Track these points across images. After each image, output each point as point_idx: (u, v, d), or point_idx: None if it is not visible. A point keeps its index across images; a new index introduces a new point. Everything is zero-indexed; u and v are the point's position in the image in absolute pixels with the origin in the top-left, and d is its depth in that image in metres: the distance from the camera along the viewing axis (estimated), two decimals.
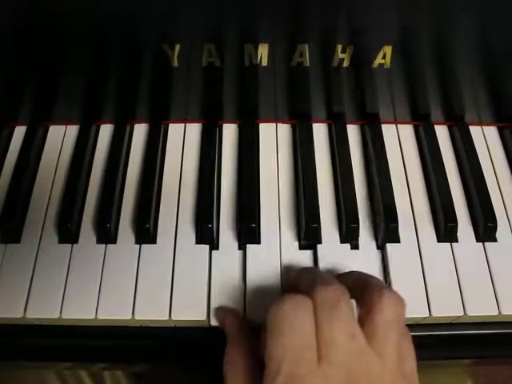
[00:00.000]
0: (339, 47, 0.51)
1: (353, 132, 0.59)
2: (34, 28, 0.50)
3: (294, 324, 0.35)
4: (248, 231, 0.50)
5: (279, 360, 0.34)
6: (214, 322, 0.47)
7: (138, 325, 0.49)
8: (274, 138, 0.59)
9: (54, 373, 0.66)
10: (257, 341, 0.42)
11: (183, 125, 0.60)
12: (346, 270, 0.48)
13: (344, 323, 0.35)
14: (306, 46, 0.51)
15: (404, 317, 0.38)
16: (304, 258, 0.50)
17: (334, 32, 0.50)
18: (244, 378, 0.40)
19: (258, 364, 0.40)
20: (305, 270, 0.47)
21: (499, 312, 0.48)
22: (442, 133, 0.60)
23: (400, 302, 0.38)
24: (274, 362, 0.35)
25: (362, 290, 0.38)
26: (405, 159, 0.58)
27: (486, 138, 0.60)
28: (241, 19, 0.49)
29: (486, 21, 0.50)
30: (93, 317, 0.47)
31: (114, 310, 0.47)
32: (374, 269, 0.50)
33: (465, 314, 0.48)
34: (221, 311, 0.47)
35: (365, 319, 0.37)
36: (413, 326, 0.48)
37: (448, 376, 0.67)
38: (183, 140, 0.59)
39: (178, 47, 0.51)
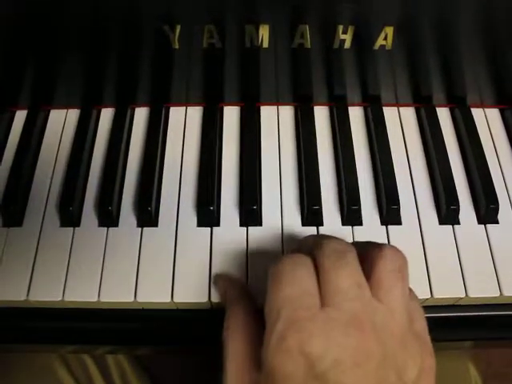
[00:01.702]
0: (340, 28, 0.50)
1: (355, 114, 0.59)
2: (34, 10, 0.49)
3: (293, 276, 0.35)
4: (249, 213, 0.50)
5: (278, 309, 0.34)
6: (214, 298, 0.47)
7: (140, 307, 0.49)
8: (275, 121, 0.58)
9: (58, 357, 0.66)
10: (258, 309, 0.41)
11: (184, 108, 0.59)
12: None
13: (351, 272, 0.35)
14: (307, 27, 0.50)
15: (407, 272, 0.37)
16: None
17: (334, 12, 0.49)
18: (244, 345, 0.39)
19: (259, 333, 0.38)
20: (310, 235, 0.47)
21: (501, 293, 0.48)
22: (443, 115, 0.60)
23: (401, 254, 0.37)
24: (273, 312, 0.34)
25: (365, 250, 0.37)
26: (406, 141, 0.57)
27: (488, 120, 0.60)
28: None
29: (489, 1, 0.49)
30: (95, 299, 0.47)
31: (116, 292, 0.47)
32: None
33: (466, 295, 0.48)
34: (221, 279, 0.47)
35: (369, 273, 0.36)
36: None
37: (449, 359, 0.68)
38: (184, 123, 0.58)
39: (178, 28, 0.50)
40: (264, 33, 0.51)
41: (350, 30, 0.51)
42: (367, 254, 0.37)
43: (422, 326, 0.37)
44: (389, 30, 0.51)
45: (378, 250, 0.36)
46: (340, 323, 0.32)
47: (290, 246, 0.50)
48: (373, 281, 0.35)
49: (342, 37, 0.51)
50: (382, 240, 0.51)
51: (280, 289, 0.35)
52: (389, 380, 0.32)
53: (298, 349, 0.32)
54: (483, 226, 0.52)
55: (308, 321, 0.32)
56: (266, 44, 0.52)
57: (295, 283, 0.34)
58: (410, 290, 0.39)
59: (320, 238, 0.38)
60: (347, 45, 0.52)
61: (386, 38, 0.51)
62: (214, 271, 0.48)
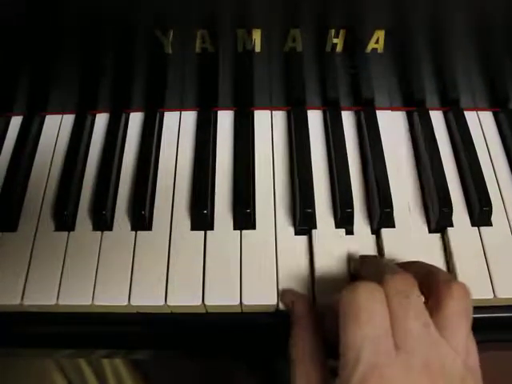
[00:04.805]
0: (332, 32, 0.51)
1: (347, 118, 0.59)
2: (28, 16, 0.50)
3: (371, 312, 0.35)
4: (243, 217, 0.51)
5: (358, 349, 0.34)
6: (209, 302, 0.47)
7: (135, 311, 0.49)
8: (269, 125, 0.59)
9: (54, 362, 0.66)
10: (322, 325, 0.43)
11: (178, 112, 0.60)
12: (342, 256, 0.49)
13: (417, 312, 0.36)
14: (299, 31, 0.51)
15: (472, 310, 0.38)
16: (299, 244, 0.50)
17: (326, 16, 0.50)
18: (312, 362, 0.40)
19: (324, 348, 0.41)
20: (368, 258, 0.48)
21: (494, 296, 0.48)
22: (436, 118, 0.60)
23: (468, 293, 0.38)
24: (352, 351, 0.34)
25: (428, 281, 0.38)
26: (399, 145, 0.57)
27: (481, 123, 0.60)
28: (233, 3, 0.49)
29: (481, 3, 0.49)
30: (89, 303, 0.47)
31: (111, 296, 0.48)
32: (368, 253, 0.50)
33: None
34: (289, 294, 0.47)
35: (434, 310, 0.37)
36: None
37: None
38: (178, 127, 0.59)
39: (171, 33, 0.51)
40: (256, 37, 0.51)
41: (342, 33, 0.51)
42: (432, 287, 0.38)
43: (475, 361, 0.38)
44: (380, 34, 0.51)
45: (446, 289, 0.37)
46: (414, 369, 0.34)
47: (284, 249, 0.50)
48: (440, 318, 0.36)
49: (334, 40, 0.51)
50: (374, 244, 0.51)
51: (358, 325, 0.35)
52: None
53: None
54: (477, 228, 0.52)
55: (388, 367, 0.34)
56: (258, 48, 0.52)
57: (375, 322, 0.35)
58: None
59: (381, 271, 0.39)
60: (339, 48, 0.52)
61: (377, 42, 0.52)
62: (207, 274, 0.48)
